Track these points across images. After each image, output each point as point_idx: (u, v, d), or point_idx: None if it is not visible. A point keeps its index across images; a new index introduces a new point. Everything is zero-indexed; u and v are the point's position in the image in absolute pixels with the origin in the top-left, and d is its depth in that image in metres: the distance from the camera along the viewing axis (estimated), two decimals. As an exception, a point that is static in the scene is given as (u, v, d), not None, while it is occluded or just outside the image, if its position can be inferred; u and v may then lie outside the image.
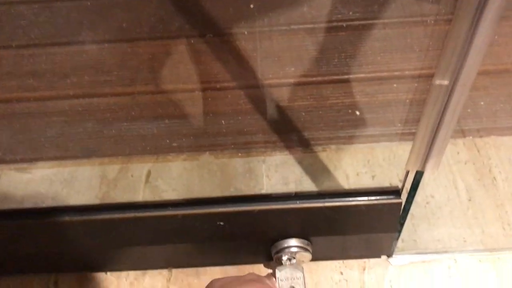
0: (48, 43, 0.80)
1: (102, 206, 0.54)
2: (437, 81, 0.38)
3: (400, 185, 0.52)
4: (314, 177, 0.69)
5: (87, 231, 0.55)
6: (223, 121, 0.76)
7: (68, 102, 0.78)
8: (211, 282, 0.47)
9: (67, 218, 0.53)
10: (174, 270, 0.63)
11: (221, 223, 0.54)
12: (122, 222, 0.54)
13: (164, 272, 0.63)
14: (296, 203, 0.53)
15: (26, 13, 0.81)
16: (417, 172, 0.48)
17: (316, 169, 0.71)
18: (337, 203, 0.52)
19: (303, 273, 0.55)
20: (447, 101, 0.40)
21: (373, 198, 0.52)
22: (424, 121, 0.42)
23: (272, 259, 0.59)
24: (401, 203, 0.52)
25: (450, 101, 0.39)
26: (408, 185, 0.52)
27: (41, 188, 0.71)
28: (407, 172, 0.49)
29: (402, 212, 0.54)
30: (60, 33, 0.80)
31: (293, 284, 0.57)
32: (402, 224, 0.56)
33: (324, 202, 0.52)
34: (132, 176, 0.72)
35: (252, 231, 0.56)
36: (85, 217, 0.53)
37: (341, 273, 0.62)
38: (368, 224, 0.55)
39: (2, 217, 0.54)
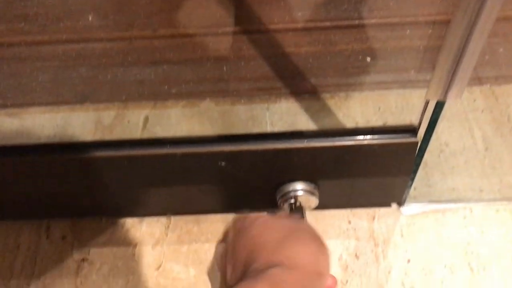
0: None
1: (97, 143, 0.51)
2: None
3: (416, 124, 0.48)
4: (321, 125, 0.65)
5: (80, 170, 0.51)
6: (224, 67, 0.71)
7: (62, 46, 0.74)
8: (234, 221, 0.43)
9: (60, 155, 0.50)
10: (173, 218, 0.60)
11: (223, 164, 0.51)
12: (118, 161, 0.50)
13: (163, 219, 0.59)
14: (304, 142, 0.49)
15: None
16: (437, 104, 0.44)
17: (324, 117, 0.67)
18: (348, 142, 0.48)
19: (304, 216, 0.52)
20: (475, 19, 0.35)
21: (387, 136, 0.48)
22: (448, 43, 0.38)
23: (276, 206, 0.55)
24: (417, 142, 0.48)
25: (479, 19, 0.35)
26: (425, 123, 0.48)
27: (33, 134, 0.67)
28: (426, 105, 0.45)
29: (418, 152, 0.50)
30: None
31: None
32: (417, 166, 0.52)
33: (334, 141, 0.49)
34: (128, 122, 0.68)
35: (256, 173, 0.52)
36: (79, 155, 0.50)
37: (349, 222, 0.58)
38: (381, 166, 0.51)
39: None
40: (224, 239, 0.45)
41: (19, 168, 0.52)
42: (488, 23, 0.35)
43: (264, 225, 0.41)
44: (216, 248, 0.56)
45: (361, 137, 0.48)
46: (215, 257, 0.55)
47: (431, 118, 0.46)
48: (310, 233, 0.41)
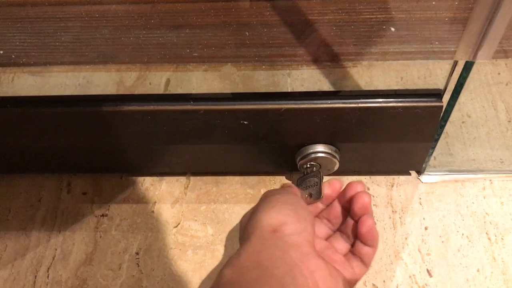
0: None
1: (121, 96, 0.51)
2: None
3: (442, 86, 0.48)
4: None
5: (103, 125, 0.52)
6: (247, 33, 0.71)
7: (85, 7, 0.74)
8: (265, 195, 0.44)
9: (83, 108, 0.50)
10: (192, 178, 0.60)
11: (245, 122, 0.51)
12: (140, 116, 0.50)
13: (182, 179, 0.60)
14: (327, 102, 0.49)
15: None
16: (466, 65, 0.43)
17: (345, 85, 0.66)
18: (372, 104, 0.48)
19: (320, 179, 0.52)
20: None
21: (412, 100, 0.48)
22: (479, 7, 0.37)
23: (296, 169, 0.55)
24: (442, 106, 0.48)
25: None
26: (450, 88, 0.48)
27: (55, 92, 0.68)
28: (453, 67, 0.45)
29: (442, 118, 0.49)
30: None
31: (310, 191, 0.53)
32: (439, 133, 0.52)
33: (358, 102, 0.48)
34: (150, 84, 0.68)
35: (277, 132, 0.52)
36: (102, 108, 0.50)
37: (368, 189, 0.58)
38: (403, 131, 0.51)
39: (16, 105, 0.51)
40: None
41: (42, 121, 0.53)
42: None
43: (284, 191, 0.43)
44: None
45: (385, 99, 0.48)
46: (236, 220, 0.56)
47: (458, 81, 0.45)
48: (280, 199, 0.42)
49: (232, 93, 0.50)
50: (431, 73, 0.67)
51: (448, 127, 0.55)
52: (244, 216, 0.45)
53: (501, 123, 0.61)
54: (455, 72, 0.47)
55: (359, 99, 0.48)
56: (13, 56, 0.70)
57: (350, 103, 0.48)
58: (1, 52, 0.71)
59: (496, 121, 0.62)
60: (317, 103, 0.49)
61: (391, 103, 0.48)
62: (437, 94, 0.48)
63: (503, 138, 0.60)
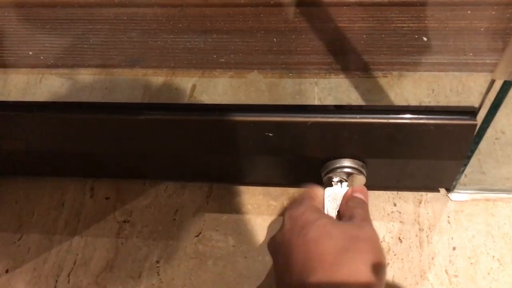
0: None
1: (147, 105, 0.50)
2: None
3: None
4: (371, 103, 0.63)
5: (128, 131, 0.51)
6: (274, 39, 0.70)
7: (114, 10, 0.74)
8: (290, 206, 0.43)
9: (109, 115, 0.50)
10: (215, 186, 0.59)
11: (270, 134, 0.50)
12: (165, 124, 0.50)
13: (205, 187, 0.59)
14: (356, 117, 0.47)
15: None
16: (504, 84, 0.41)
17: (375, 95, 0.64)
18: (403, 120, 0.47)
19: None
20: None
21: (444, 117, 0.46)
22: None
23: (321, 183, 0.54)
24: (476, 125, 0.46)
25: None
26: (486, 105, 0.46)
27: (82, 95, 0.68)
28: (490, 86, 0.43)
29: (476, 136, 0.47)
30: None
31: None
32: (472, 151, 0.50)
33: (388, 118, 0.47)
34: (176, 89, 0.68)
35: (303, 145, 0.51)
36: (127, 116, 0.50)
37: (395, 205, 0.57)
38: (434, 149, 0.49)
39: (43, 110, 0.51)
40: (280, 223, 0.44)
41: (67, 126, 0.53)
42: None
43: (323, 229, 0.39)
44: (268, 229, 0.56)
45: (416, 115, 0.46)
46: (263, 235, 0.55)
47: (494, 99, 0.43)
48: (373, 245, 0.39)
49: (258, 105, 0.49)
50: (464, 86, 0.64)
51: (480, 144, 0.53)
52: (274, 244, 0.43)
53: (537, 140, 0.59)
54: (491, 90, 0.45)
55: (389, 114, 0.47)
56: (41, 58, 0.71)
57: (380, 118, 0.47)
58: (30, 53, 0.71)
59: (531, 138, 0.59)
60: (345, 117, 0.47)
61: (423, 119, 0.46)
62: (471, 112, 0.46)
63: (539, 156, 0.58)
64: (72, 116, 0.52)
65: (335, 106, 0.48)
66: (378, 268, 0.37)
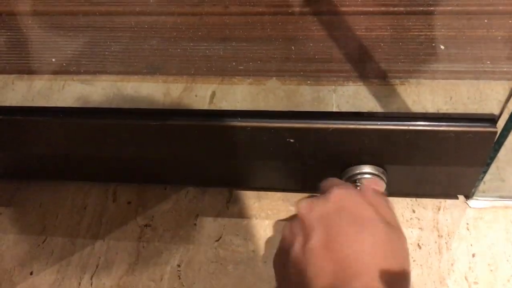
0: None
1: (169, 111, 0.52)
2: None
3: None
4: (390, 111, 0.64)
5: (150, 136, 0.52)
6: (293, 47, 0.71)
7: (135, 18, 0.75)
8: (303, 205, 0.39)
9: (131, 120, 0.51)
10: (235, 191, 0.60)
11: (291, 140, 0.50)
12: (187, 130, 0.51)
13: (225, 192, 0.60)
14: (377, 124, 0.48)
15: None
16: (526, 91, 0.42)
17: (392, 103, 0.65)
18: (423, 127, 0.47)
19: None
20: None
21: (464, 124, 0.47)
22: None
23: (340, 188, 0.55)
24: (496, 133, 0.47)
25: None
26: (506, 113, 0.46)
27: (103, 101, 0.69)
28: (511, 93, 0.43)
29: (495, 143, 0.48)
30: None
31: None
32: (492, 159, 0.50)
33: (408, 125, 0.47)
34: (196, 96, 0.69)
35: (323, 152, 0.52)
36: (150, 121, 0.51)
37: (413, 211, 0.57)
38: (454, 156, 0.50)
39: (66, 115, 0.52)
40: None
41: (91, 131, 0.54)
42: None
43: (354, 224, 0.35)
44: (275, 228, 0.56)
45: (437, 122, 0.47)
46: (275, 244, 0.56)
47: (515, 107, 0.44)
48: (404, 241, 0.37)
49: (279, 111, 0.50)
50: (482, 94, 0.65)
51: (500, 151, 0.54)
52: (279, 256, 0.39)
53: (555, 148, 0.59)
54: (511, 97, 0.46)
55: (410, 121, 0.47)
56: (64, 64, 0.72)
57: (400, 125, 0.47)
58: (53, 60, 0.73)
59: (550, 146, 0.59)
60: (366, 124, 0.48)
61: (443, 127, 0.47)
62: (491, 119, 0.46)
63: (558, 164, 0.58)
64: (95, 121, 0.53)
65: (356, 113, 0.49)
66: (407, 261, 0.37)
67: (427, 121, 0.47)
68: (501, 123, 0.48)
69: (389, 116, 0.48)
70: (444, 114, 0.48)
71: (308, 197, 0.42)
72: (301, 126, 0.49)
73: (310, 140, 0.50)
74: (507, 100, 0.44)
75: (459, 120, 0.47)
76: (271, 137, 0.50)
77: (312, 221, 0.37)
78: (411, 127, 0.47)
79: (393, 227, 0.38)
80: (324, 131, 0.49)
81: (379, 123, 0.48)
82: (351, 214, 0.37)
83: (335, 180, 0.45)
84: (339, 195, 0.39)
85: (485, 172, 0.53)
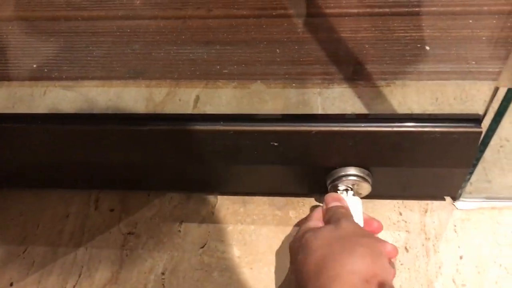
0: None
1: (150, 115, 0.51)
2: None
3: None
4: (375, 112, 0.63)
5: (131, 142, 0.51)
6: (277, 50, 0.70)
7: (117, 22, 0.74)
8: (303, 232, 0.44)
9: (112, 126, 0.50)
10: (219, 197, 0.59)
11: (275, 144, 0.50)
12: (169, 135, 0.50)
13: (210, 197, 0.59)
14: (361, 125, 0.47)
15: None
16: (508, 91, 0.41)
17: (378, 104, 0.64)
18: (408, 128, 0.47)
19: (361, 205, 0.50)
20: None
21: (449, 124, 0.46)
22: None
23: (326, 191, 0.54)
24: (481, 133, 0.46)
25: None
26: (490, 113, 0.46)
27: (85, 106, 0.68)
28: (494, 93, 0.43)
29: (481, 144, 0.47)
30: None
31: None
32: (477, 159, 0.49)
33: (393, 126, 0.47)
34: (179, 100, 0.68)
35: (308, 154, 0.51)
36: (131, 127, 0.50)
37: (400, 214, 0.56)
38: (440, 156, 0.49)
39: (46, 122, 0.51)
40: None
41: (72, 138, 0.53)
42: None
43: (371, 250, 0.41)
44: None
45: (421, 123, 0.46)
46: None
47: (499, 107, 0.43)
48: (362, 242, 0.41)
49: (262, 114, 0.49)
50: (467, 94, 0.64)
51: (485, 152, 0.53)
52: (295, 248, 0.45)
53: (542, 148, 0.59)
54: (494, 98, 0.45)
55: (394, 122, 0.47)
56: (45, 70, 0.71)
57: (384, 126, 0.47)
58: (35, 66, 0.71)
59: (536, 146, 0.59)
60: (350, 126, 0.47)
61: (428, 127, 0.46)
62: (476, 120, 0.46)
63: (544, 164, 0.57)
64: (76, 128, 0.52)
65: (340, 115, 0.48)
66: (371, 260, 0.40)
67: (412, 122, 0.46)
68: (486, 123, 0.47)
69: (373, 118, 0.47)
70: (429, 115, 0.47)
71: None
72: (284, 129, 0.48)
73: (294, 143, 0.49)
74: (491, 100, 0.43)
75: (444, 121, 0.46)
76: (255, 141, 0.49)
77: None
78: (395, 129, 0.46)
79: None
80: (307, 134, 0.48)
81: (363, 124, 0.47)
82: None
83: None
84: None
85: (471, 173, 0.52)
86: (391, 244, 0.42)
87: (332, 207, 0.48)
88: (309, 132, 0.48)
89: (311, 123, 0.47)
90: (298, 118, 0.48)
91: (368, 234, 0.43)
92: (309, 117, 0.48)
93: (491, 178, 0.58)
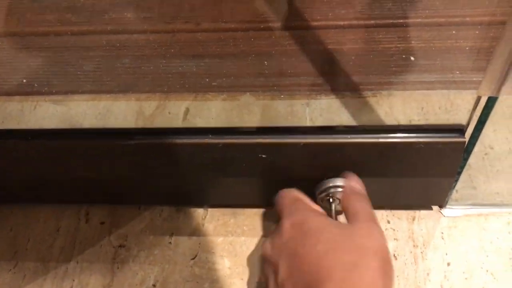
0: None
1: (139, 130, 0.51)
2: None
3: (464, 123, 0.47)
4: (362, 123, 0.64)
5: (121, 156, 0.52)
6: (265, 62, 0.71)
7: (106, 37, 0.75)
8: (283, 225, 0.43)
9: (102, 141, 0.50)
10: (209, 209, 0.60)
11: (263, 156, 0.50)
12: (158, 149, 0.50)
13: (200, 210, 0.60)
14: (347, 137, 0.48)
15: None
16: (489, 100, 0.42)
17: (365, 115, 0.65)
18: (393, 139, 0.48)
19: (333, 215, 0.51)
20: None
21: (433, 135, 0.47)
22: (507, 35, 0.37)
23: (314, 202, 0.55)
24: (464, 142, 0.47)
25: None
26: (473, 122, 0.47)
27: (75, 121, 0.68)
28: (476, 103, 0.44)
29: (465, 152, 0.48)
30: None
31: None
32: (462, 168, 0.51)
33: (378, 138, 0.48)
34: (169, 113, 0.68)
35: (296, 166, 0.52)
36: (117, 142, 0.50)
37: (388, 222, 0.57)
38: (425, 166, 0.50)
39: (37, 137, 0.51)
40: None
41: (61, 152, 0.53)
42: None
43: (332, 240, 0.39)
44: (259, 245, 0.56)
45: (406, 134, 0.47)
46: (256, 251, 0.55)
47: (480, 115, 0.45)
48: (382, 256, 0.39)
49: (250, 127, 0.50)
50: (452, 104, 0.65)
51: (470, 159, 0.54)
52: (273, 252, 0.43)
53: (525, 155, 0.60)
54: (477, 106, 0.46)
55: (380, 133, 0.48)
56: (35, 85, 0.71)
57: (370, 138, 0.48)
58: (24, 81, 0.72)
59: (520, 153, 0.60)
60: (337, 137, 0.48)
61: (412, 138, 0.47)
62: (459, 130, 0.47)
63: (527, 171, 0.59)
64: (66, 142, 0.52)
65: (328, 127, 0.49)
66: (388, 282, 0.38)
67: (397, 133, 0.47)
68: (470, 131, 0.48)
69: (359, 130, 0.48)
70: (414, 126, 0.48)
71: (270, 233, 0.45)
72: (272, 141, 0.49)
73: (282, 155, 0.50)
74: (473, 109, 0.44)
75: (429, 131, 0.47)
76: (243, 153, 0.50)
77: (275, 257, 0.42)
78: (381, 140, 0.47)
79: (340, 224, 0.42)
80: (295, 146, 0.49)
81: (349, 136, 0.48)
82: (304, 233, 0.41)
83: (285, 198, 0.48)
84: (288, 223, 0.43)
85: (456, 181, 0.53)
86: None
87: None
88: (297, 144, 0.48)
89: (298, 135, 0.48)
90: (285, 130, 0.49)
91: (388, 255, 0.41)
92: (297, 130, 0.49)
93: (476, 185, 0.59)
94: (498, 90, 0.40)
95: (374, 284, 0.36)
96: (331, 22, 0.72)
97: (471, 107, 0.50)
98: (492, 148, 0.61)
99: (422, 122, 0.64)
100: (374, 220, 0.42)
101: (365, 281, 0.36)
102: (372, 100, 0.67)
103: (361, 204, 0.45)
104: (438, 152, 0.48)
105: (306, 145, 0.49)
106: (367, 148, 0.48)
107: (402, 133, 0.47)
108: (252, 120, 0.66)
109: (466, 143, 0.47)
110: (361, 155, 0.49)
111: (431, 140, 0.47)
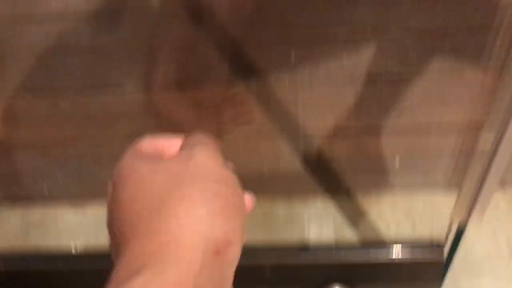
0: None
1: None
2: (484, 134, 0.41)
3: (440, 236, 0.54)
4: (355, 225, 0.71)
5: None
6: (264, 169, 0.78)
7: (120, 145, 0.82)
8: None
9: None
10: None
11: (266, 271, 0.57)
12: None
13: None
14: (341, 257, 0.55)
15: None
16: (460, 224, 0.49)
17: (357, 217, 0.72)
18: (380, 261, 0.54)
19: None
20: (493, 154, 0.41)
21: (415, 256, 0.54)
22: (470, 173, 0.44)
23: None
24: (443, 262, 0.54)
25: (496, 155, 0.41)
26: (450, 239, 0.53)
27: (93, 229, 0.74)
28: (450, 225, 0.51)
29: (445, 265, 0.55)
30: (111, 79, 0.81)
31: None
32: (444, 275, 0.57)
33: (368, 259, 0.55)
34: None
35: (296, 279, 0.58)
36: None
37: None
38: (411, 278, 0.57)
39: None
40: None
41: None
42: (501, 169, 0.41)
43: (139, 180, 0.23)
44: None
45: (393, 256, 0.54)
46: None
47: (455, 238, 0.51)
48: (207, 176, 0.23)
49: (252, 248, 0.56)
50: (436, 204, 0.72)
51: (453, 262, 0.60)
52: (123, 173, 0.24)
53: (503, 256, 0.66)
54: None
55: (369, 255, 0.54)
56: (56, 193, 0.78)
57: (360, 258, 0.54)
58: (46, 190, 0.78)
59: (498, 254, 0.66)
60: (330, 258, 0.55)
61: (397, 260, 0.54)
62: (438, 250, 0.54)
63: (506, 269, 0.64)
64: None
65: (321, 248, 0.56)
66: (227, 208, 0.23)
67: (384, 253, 0.54)
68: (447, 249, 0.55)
69: (350, 250, 0.55)
70: (396, 243, 0.55)
71: None
72: (273, 263, 0.55)
73: (283, 270, 0.56)
74: (449, 228, 0.51)
75: (412, 248, 0.54)
76: (247, 271, 0.56)
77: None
78: (371, 261, 0.54)
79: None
80: (294, 265, 0.55)
81: (342, 256, 0.54)
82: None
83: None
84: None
85: (440, 286, 0.59)
86: (248, 193, 0.26)
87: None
88: (296, 264, 0.55)
89: (296, 257, 0.55)
90: (284, 252, 0.56)
91: (226, 177, 0.24)
92: (294, 251, 0.56)
93: (460, 285, 0.64)
94: (468, 217, 0.47)
95: (203, 221, 0.21)
96: (321, 132, 0.79)
97: (448, 216, 0.56)
98: (473, 249, 0.67)
99: (408, 225, 0.71)
100: (201, 144, 0.25)
101: (180, 216, 0.19)
102: (362, 202, 0.74)
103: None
104: (421, 267, 0.55)
105: (303, 265, 0.55)
106: (358, 265, 0.55)
107: (388, 253, 0.54)
108: (255, 226, 0.73)
109: (445, 260, 0.54)
110: (353, 270, 0.56)
111: (413, 260, 0.54)
